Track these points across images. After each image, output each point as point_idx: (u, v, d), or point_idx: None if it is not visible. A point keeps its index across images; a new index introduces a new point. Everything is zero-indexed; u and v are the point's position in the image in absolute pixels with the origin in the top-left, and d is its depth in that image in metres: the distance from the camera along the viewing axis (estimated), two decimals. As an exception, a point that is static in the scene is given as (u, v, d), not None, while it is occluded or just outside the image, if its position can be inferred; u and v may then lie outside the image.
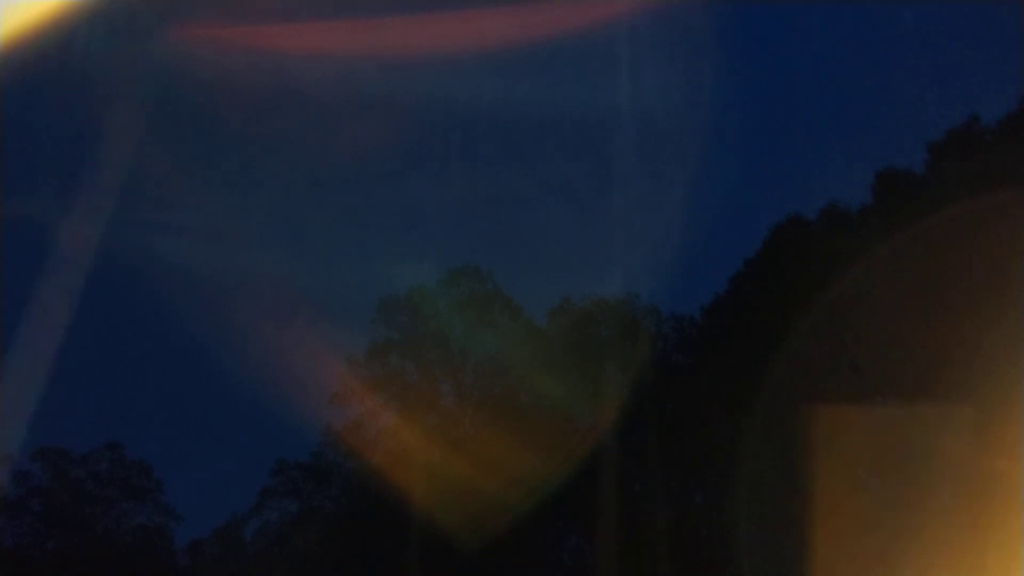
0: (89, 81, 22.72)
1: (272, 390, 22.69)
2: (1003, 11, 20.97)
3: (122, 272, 25.57)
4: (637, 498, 24.85)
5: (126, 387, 27.91)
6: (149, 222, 24.73)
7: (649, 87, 24.79)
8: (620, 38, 23.36)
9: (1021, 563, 12.67)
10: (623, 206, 26.07)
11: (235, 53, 20.48)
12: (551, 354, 25.60)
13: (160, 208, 24.85)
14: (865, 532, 18.65)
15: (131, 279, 25.88)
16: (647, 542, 23.65)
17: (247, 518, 28.01)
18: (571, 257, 28.13)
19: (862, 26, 24.81)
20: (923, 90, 23.33)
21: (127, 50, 21.72)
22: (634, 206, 25.78)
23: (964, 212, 17.96)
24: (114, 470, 28.32)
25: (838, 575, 18.08)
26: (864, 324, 20.05)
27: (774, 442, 20.30)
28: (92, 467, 28.15)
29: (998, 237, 17.78)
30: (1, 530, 26.52)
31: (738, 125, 26.23)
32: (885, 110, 24.03)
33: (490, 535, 22.18)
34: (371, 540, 24.65)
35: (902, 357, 19.17)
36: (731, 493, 21.39)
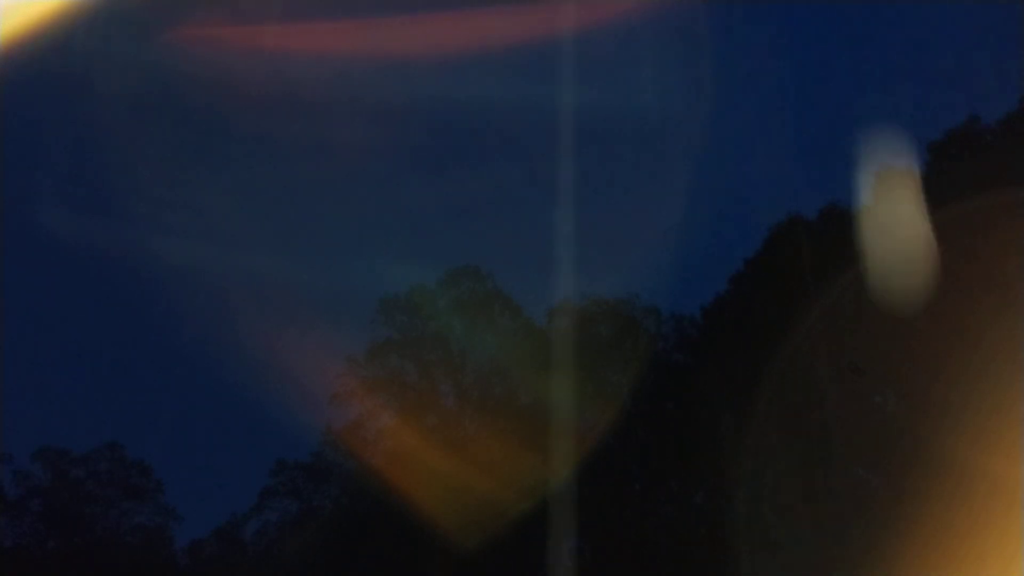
0: (89, 81, 22.72)
1: (272, 390, 22.71)
2: (1003, 11, 21.00)
3: (122, 272, 25.60)
4: (637, 498, 24.86)
5: (126, 387, 27.93)
6: (149, 222, 24.74)
7: (649, 88, 24.81)
8: (620, 39, 23.41)
9: (1021, 563, 12.68)
10: (623, 206, 26.12)
11: (235, 53, 20.48)
12: (551, 354, 25.57)
13: (160, 208, 24.84)
14: (865, 531, 18.67)
15: (131, 279, 25.90)
16: (646, 542, 23.65)
17: (247, 518, 28.03)
18: (571, 257, 28.12)
19: (863, 27, 24.83)
20: (923, 90, 23.35)
21: (127, 50, 21.71)
22: (634, 206, 25.82)
23: (964, 212, 17.96)
24: (114, 470, 28.32)
25: (838, 574, 18.11)
26: (864, 324, 20.04)
27: (774, 441, 20.32)
28: (92, 467, 28.15)
29: (998, 237, 17.79)
30: (1, 530, 26.52)
31: (738, 125, 26.27)
32: (885, 110, 24.04)
33: (489, 535, 22.17)
34: (370, 540, 24.63)
35: (902, 357, 19.17)
36: (731, 493, 21.40)
